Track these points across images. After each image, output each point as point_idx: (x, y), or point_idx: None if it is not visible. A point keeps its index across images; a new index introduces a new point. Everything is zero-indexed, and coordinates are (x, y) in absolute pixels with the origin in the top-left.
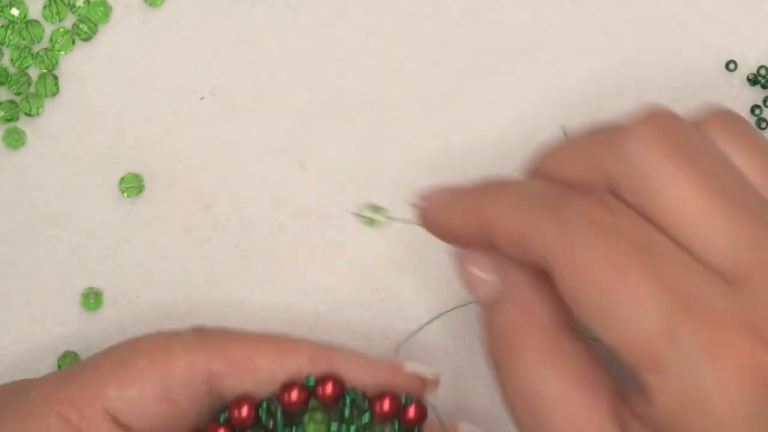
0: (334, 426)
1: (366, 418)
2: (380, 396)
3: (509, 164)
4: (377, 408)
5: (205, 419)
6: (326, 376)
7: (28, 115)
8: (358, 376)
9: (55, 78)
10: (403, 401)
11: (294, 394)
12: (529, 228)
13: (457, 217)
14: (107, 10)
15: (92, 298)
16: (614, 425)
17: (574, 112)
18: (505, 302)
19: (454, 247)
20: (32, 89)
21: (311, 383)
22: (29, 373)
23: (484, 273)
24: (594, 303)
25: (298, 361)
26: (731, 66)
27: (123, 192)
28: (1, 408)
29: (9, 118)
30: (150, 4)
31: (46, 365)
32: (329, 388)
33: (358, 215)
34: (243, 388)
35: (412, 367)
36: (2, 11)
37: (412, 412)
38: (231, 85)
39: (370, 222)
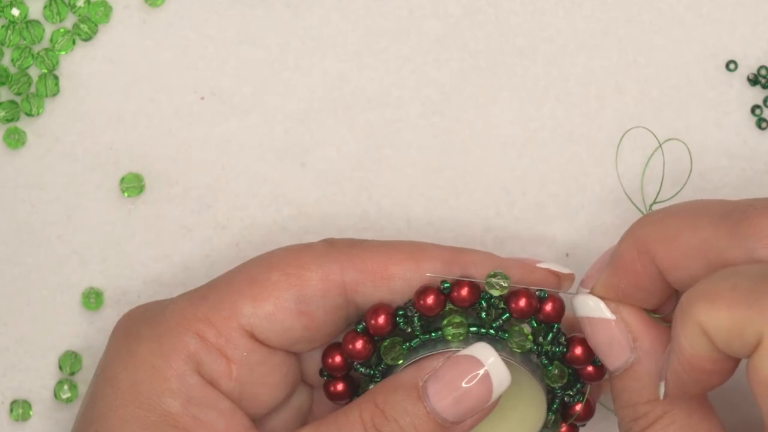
0: (473, 328)
1: (504, 317)
2: (515, 294)
3: (509, 164)
4: (513, 306)
5: (342, 331)
6: (461, 279)
7: (28, 115)
8: None
9: (56, 78)
10: (539, 297)
11: (430, 299)
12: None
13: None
14: (107, 10)
15: (92, 298)
16: None
17: (574, 112)
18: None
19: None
20: (32, 89)
21: (447, 287)
22: (29, 374)
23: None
24: None
25: (433, 265)
26: (731, 66)
27: (123, 192)
28: (138, 329)
29: (9, 118)
30: (150, 4)
31: (47, 365)
32: (465, 292)
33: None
34: (378, 297)
35: (546, 264)
36: (2, 11)
37: (549, 307)
38: (231, 85)
39: (501, 290)
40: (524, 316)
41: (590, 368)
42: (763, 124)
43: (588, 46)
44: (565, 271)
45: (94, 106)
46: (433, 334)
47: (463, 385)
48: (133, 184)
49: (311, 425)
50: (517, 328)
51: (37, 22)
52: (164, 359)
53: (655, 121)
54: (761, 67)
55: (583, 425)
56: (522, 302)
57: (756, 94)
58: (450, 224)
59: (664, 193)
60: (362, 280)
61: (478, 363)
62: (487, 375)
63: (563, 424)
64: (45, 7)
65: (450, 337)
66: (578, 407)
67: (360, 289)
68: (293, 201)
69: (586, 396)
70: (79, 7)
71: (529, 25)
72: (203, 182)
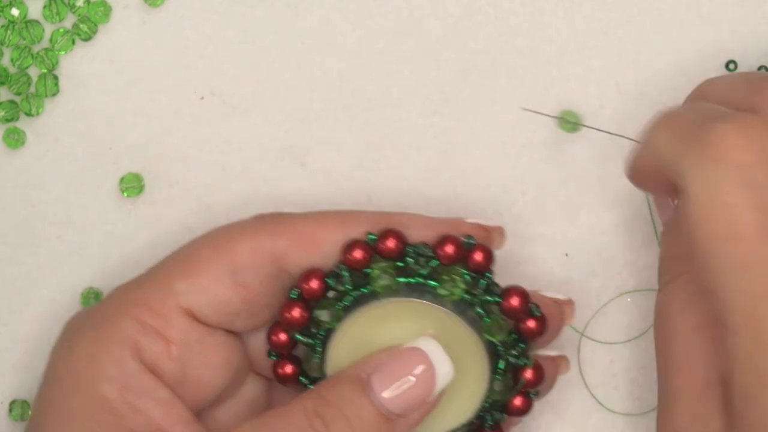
0: (402, 278)
1: (433, 263)
2: (442, 241)
3: (509, 164)
4: (441, 252)
5: (281, 303)
6: (387, 230)
7: (28, 115)
8: (421, 234)
9: (55, 78)
10: (467, 244)
11: (357, 252)
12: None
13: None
14: (107, 10)
15: (92, 298)
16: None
17: (574, 112)
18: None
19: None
20: (32, 89)
21: (372, 239)
22: (29, 374)
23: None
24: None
25: (360, 228)
26: (731, 66)
27: (123, 192)
28: (78, 324)
29: (9, 118)
30: (150, 4)
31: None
32: (391, 242)
33: (559, 118)
34: (310, 262)
35: (474, 219)
36: (2, 11)
37: (478, 255)
38: (231, 85)
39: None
40: (452, 262)
41: (531, 323)
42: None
43: (588, 46)
44: (492, 224)
45: (93, 106)
46: (363, 289)
47: (407, 377)
48: (133, 184)
49: (256, 417)
50: (446, 277)
51: (37, 22)
52: (102, 347)
53: None
54: (761, 67)
55: (536, 394)
56: (449, 248)
57: None
58: None
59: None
60: (292, 247)
61: (421, 355)
62: (430, 367)
63: (517, 397)
64: (45, 7)
65: (380, 289)
66: (527, 373)
67: (291, 257)
68: (293, 201)
69: (531, 358)
70: (79, 7)
71: (529, 25)
72: (203, 182)
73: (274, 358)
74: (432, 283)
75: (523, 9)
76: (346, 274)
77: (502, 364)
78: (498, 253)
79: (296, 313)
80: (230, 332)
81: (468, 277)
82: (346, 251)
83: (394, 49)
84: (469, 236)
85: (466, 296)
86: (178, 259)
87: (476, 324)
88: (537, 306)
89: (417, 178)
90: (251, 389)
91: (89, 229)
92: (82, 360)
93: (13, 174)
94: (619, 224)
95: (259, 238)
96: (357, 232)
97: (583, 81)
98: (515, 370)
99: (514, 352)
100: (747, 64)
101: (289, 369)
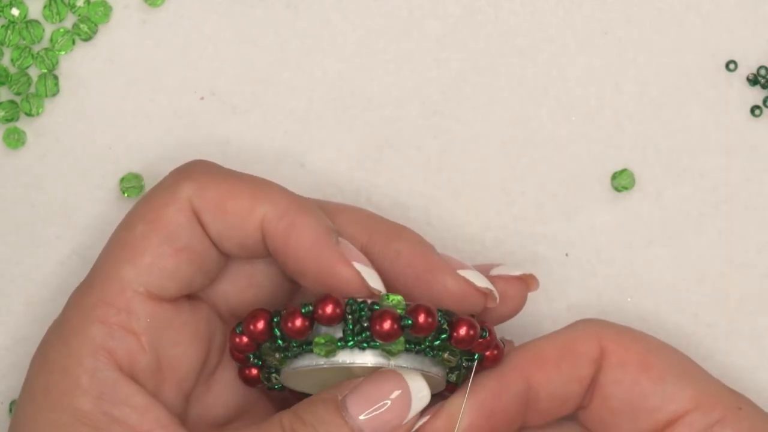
0: (340, 343)
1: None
2: (380, 316)
3: (509, 164)
4: (378, 328)
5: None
6: (326, 296)
7: (28, 115)
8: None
9: (55, 78)
10: (403, 321)
11: (298, 322)
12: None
13: None
14: (107, 10)
15: None
16: None
17: (574, 112)
18: None
19: None
20: (32, 89)
21: (309, 311)
22: None
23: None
24: None
25: (267, 210)
26: (731, 66)
27: (123, 192)
28: (49, 337)
29: (9, 118)
30: (150, 4)
31: None
32: (329, 308)
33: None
34: (216, 229)
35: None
36: (2, 11)
37: (421, 319)
38: (231, 85)
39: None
40: (390, 339)
41: (487, 353)
42: (756, 111)
43: (588, 46)
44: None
45: (93, 106)
46: (304, 347)
47: (382, 399)
48: (133, 184)
49: (235, 430)
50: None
51: (37, 22)
52: (74, 359)
53: (655, 121)
54: (761, 67)
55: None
56: (386, 325)
57: (756, 94)
58: (450, 224)
59: (665, 191)
60: (204, 208)
61: (398, 378)
62: (406, 391)
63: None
64: (45, 7)
65: (318, 351)
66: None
67: (202, 217)
68: None
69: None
70: (79, 7)
71: (529, 25)
72: None
73: (239, 366)
74: (374, 344)
75: (523, 9)
76: (280, 342)
77: (453, 377)
78: (498, 254)
79: (244, 343)
80: (195, 300)
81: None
82: (285, 321)
83: (394, 49)
84: (408, 305)
85: (410, 346)
86: (115, 246)
87: (427, 359)
88: (485, 329)
89: (417, 178)
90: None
91: (89, 229)
92: (56, 374)
93: (13, 174)
94: (619, 224)
95: (181, 196)
96: (263, 211)
97: (583, 81)
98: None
99: (466, 358)
100: (747, 64)
101: (254, 371)
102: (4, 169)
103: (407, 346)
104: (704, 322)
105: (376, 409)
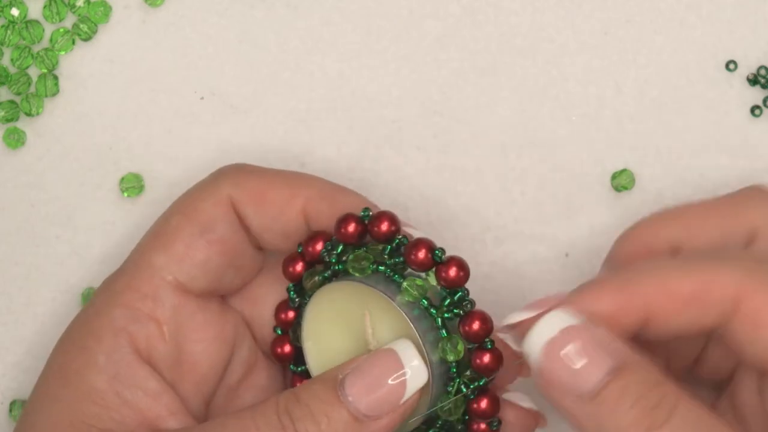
0: (373, 266)
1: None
2: (416, 245)
3: (509, 164)
4: (412, 257)
5: (258, 264)
6: (381, 212)
7: (28, 115)
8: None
9: (55, 78)
10: (437, 256)
11: (351, 227)
12: (711, 275)
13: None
14: (107, 10)
15: None
16: None
17: (574, 112)
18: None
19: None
20: (32, 89)
21: (366, 215)
22: (29, 374)
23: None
24: None
25: (306, 198)
26: (731, 66)
27: (123, 192)
28: (73, 323)
29: (9, 118)
30: (150, 4)
31: None
32: (384, 225)
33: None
34: (258, 222)
35: (526, 404)
36: (2, 11)
37: (452, 272)
38: (231, 85)
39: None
40: (421, 268)
41: (486, 357)
42: (756, 111)
43: (588, 46)
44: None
45: (93, 106)
46: (339, 266)
47: (379, 379)
48: (133, 184)
49: (234, 411)
50: (410, 280)
51: (37, 22)
52: (94, 338)
53: (655, 121)
54: (761, 67)
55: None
56: (421, 254)
57: (756, 94)
58: (450, 224)
59: (665, 191)
60: (245, 201)
61: (395, 358)
62: (401, 368)
63: (479, 425)
64: (44, 7)
65: (351, 270)
66: (483, 403)
67: (242, 210)
68: None
69: (482, 383)
70: (79, 7)
71: (529, 25)
72: None
73: (278, 333)
74: (399, 278)
75: (523, 9)
76: (337, 248)
77: (451, 386)
78: (498, 254)
79: (299, 267)
80: (225, 305)
81: (445, 293)
82: (339, 224)
83: (394, 49)
84: (440, 250)
85: (423, 300)
86: (150, 236)
87: (431, 334)
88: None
89: (417, 178)
90: (264, 376)
91: (89, 229)
92: (74, 352)
93: (13, 174)
94: (619, 224)
95: (219, 191)
96: (308, 193)
97: (583, 81)
98: (467, 400)
99: (466, 380)
100: (747, 64)
101: (287, 348)
102: (4, 169)
103: (422, 299)
104: None
105: (369, 384)
